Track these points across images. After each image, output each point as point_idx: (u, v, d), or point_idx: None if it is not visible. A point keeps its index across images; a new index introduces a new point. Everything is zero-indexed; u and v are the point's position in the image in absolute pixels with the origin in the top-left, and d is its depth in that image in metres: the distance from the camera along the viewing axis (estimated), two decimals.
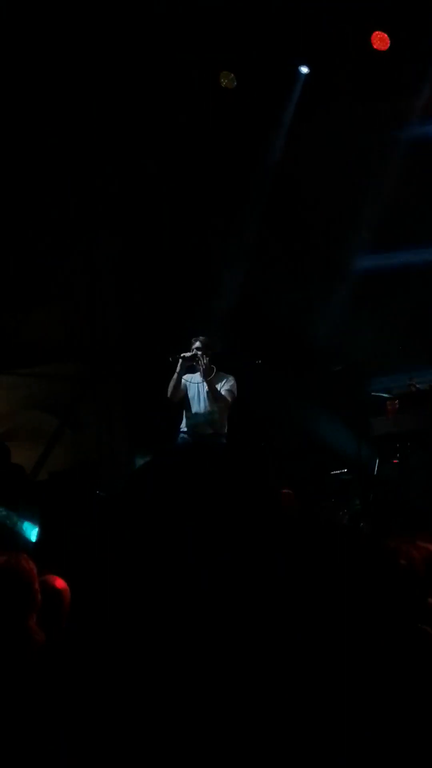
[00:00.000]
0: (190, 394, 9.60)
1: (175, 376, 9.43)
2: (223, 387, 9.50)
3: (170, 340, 10.22)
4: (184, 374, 9.58)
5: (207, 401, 9.45)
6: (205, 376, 9.40)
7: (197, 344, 9.49)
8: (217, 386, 9.51)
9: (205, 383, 9.44)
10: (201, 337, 9.55)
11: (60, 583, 5.03)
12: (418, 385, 11.03)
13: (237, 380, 9.76)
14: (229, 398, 9.46)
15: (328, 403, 11.89)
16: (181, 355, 9.41)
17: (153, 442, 10.80)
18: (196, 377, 9.55)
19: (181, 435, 9.58)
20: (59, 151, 12.20)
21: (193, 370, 9.56)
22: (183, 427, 9.59)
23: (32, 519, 8.53)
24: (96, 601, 5.18)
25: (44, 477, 11.03)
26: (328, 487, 10.49)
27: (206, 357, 9.39)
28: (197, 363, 9.39)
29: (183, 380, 9.54)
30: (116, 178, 12.62)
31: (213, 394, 9.39)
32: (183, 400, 9.66)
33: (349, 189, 12.44)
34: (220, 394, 9.49)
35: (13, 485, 9.34)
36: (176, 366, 9.47)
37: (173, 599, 4.79)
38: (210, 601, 4.70)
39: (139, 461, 10.93)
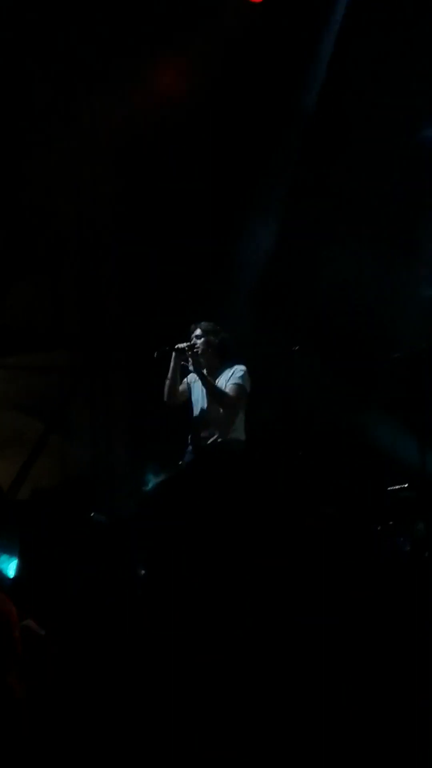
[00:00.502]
0: (193, 397, 9.71)
1: (170, 373, 9.51)
2: (229, 381, 9.51)
3: (184, 320, 10.11)
4: (184, 372, 9.71)
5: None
6: (196, 368, 9.47)
7: (197, 332, 9.60)
8: (219, 380, 9.52)
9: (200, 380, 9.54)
10: (202, 323, 9.66)
11: (41, 629, 5.15)
12: None
13: (263, 371, 9.75)
14: (234, 394, 9.42)
15: (384, 401, 11.71)
16: (176, 346, 9.49)
17: (165, 453, 10.69)
18: None
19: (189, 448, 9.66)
20: (46, 81, 12.29)
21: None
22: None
23: (10, 549, 8.36)
24: (89, 651, 5.39)
25: (25, 496, 11.21)
26: (384, 507, 10.23)
27: (205, 348, 9.53)
28: (191, 355, 9.47)
29: (186, 380, 9.71)
30: (115, 113, 12.46)
31: (210, 391, 9.40)
32: (188, 405, 9.77)
33: (409, 128, 12.10)
34: (221, 390, 9.44)
35: None
36: (170, 361, 9.55)
37: (186, 649, 4.82)
38: (234, 654, 4.78)
39: (152, 479, 11.10)
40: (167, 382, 9.53)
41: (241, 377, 9.45)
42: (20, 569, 8.02)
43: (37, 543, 8.06)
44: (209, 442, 9.34)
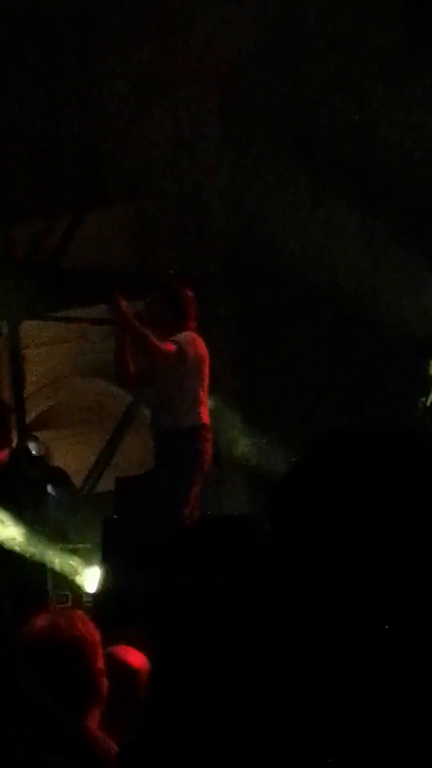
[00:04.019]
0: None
1: (117, 348, 8.85)
2: None
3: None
4: None
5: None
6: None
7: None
8: None
9: None
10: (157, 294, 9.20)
11: (137, 658, 4.46)
12: None
13: None
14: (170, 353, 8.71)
15: None
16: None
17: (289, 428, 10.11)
18: None
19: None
20: None
21: None
22: None
23: (88, 555, 8.57)
24: (198, 682, 3.92)
25: (107, 487, 10.85)
26: None
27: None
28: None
29: None
30: None
31: (132, 338, 8.60)
32: None
33: None
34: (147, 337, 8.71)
35: (51, 501, 9.37)
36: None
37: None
38: None
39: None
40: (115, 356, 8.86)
41: (181, 338, 8.71)
42: (103, 581, 8.04)
43: (123, 548, 8.12)
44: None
